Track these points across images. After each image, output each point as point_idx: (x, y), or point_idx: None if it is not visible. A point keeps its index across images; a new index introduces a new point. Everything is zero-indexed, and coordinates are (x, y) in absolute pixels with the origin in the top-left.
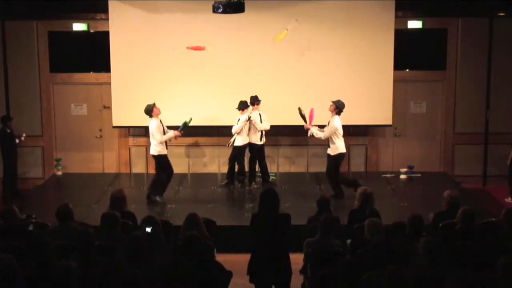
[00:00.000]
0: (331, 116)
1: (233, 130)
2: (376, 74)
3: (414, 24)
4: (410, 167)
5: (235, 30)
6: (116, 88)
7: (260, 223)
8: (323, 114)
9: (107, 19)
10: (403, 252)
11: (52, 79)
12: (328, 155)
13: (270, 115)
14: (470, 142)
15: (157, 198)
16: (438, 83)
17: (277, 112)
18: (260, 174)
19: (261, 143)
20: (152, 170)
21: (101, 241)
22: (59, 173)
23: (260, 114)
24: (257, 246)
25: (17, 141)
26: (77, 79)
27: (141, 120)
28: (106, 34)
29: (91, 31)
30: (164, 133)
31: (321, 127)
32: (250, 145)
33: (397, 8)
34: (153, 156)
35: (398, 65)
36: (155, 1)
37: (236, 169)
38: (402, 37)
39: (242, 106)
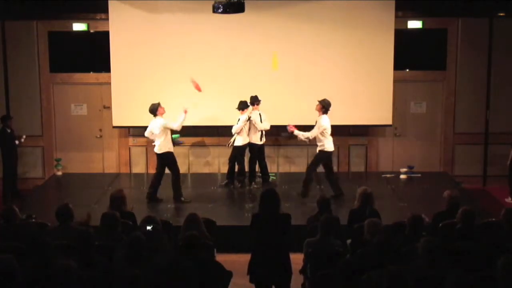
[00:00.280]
0: (318, 116)
1: (233, 130)
2: (376, 74)
3: (414, 24)
4: (410, 167)
5: (235, 30)
6: (116, 88)
7: (260, 223)
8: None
9: (107, 19)
10: (403, 252)
11: (52, 79)
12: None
13: (270, 115)
14: (470, 142)
15: (182, 198)
16: (438, 83)
17: (277, 112)
18: (260, 174)
19: (261, 143)
20: (152, 170)
21: (101, 241)
22: (59, 173)
23: (260, 114)
24: (258, 246)
25: (16, 142)
26: (77, 79)
27: (141, 120)
28: (106, 34)
29: (91, 31)
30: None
31: (312, 127)
32: (250, 145)
33: (397, 8)
34: (160, 154)
35: (398, 65)
36: (155, 1)
37: (236, 169)
38: (402, 37)
39: (242, 106)
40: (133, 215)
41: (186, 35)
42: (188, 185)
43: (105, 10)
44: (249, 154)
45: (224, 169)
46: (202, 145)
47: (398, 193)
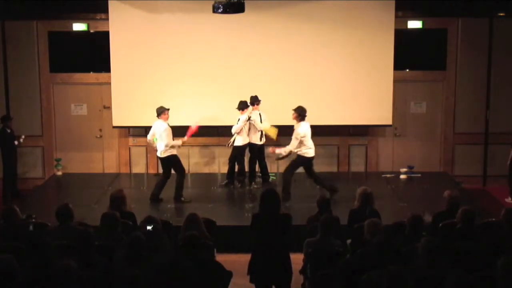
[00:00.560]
0: (296, 124)
1: (233, 130)
2: (376, 74)
3: (414, 24)
4: (410, 167)
5: (235, 30)
6: (116, 88)
7: (260, 223)
8: (321, 113)
9: (107, 19)
10: (403, 252)
11: (52, 79)
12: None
13: (270, 115)
14: (470, 142)
15: (182, 198)
16: (438, 83)
17: (277, 112)
18: (260, 174)
19: (261, 143)
20: (152, 170)
21: (101, 241)
22: (59, 173)
23: (260, 114)
24: (258, 246)
25: (16, 142)
26: (77, 79)
27: (141, 120)
28: (106, 34)
29: (91, 31)
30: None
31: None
32: (250, 145)
33: (397, 8)
34: (162, 158)
35: (398, 65)
36: (155, 1)
37: (236, 169)
38: (402, 37)
39: (242, 106)
40: (133, 215)
41: (186, 35)
42: (188, 185)
43: (105, 10)
44: (249, 154)
45: (224, 169)
46: (202, 145)
47: (398, 193)
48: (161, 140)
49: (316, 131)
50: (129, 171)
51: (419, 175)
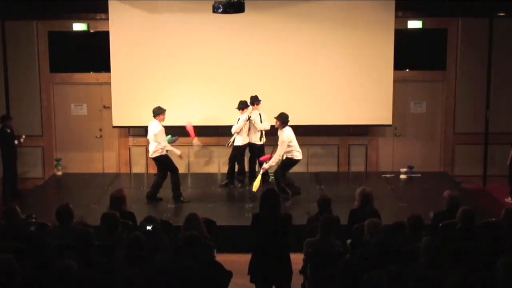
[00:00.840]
0: (279, 131)
1: (233, 130)
2: (376, 74)
3: (414, 24)
4: (410, 167)
5: (235, 30)
6: (116, 88)
7: (260, 223)
8: (321, 113)
9: (107, 19)
10: (403, 252)
11: (52, 79)
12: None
13: (270, 115)
14: (470, 142)
15: (182, 198)
16: (438, 83)
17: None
18: None
19: (261, 143)
20: (152, 170)
21: (101, 241)
22: (59, 173)
23: (260, 114)
24: (258, 246)
25: (16, 142)
26: (77, 79)
27: (141, 120)
28: (106, 34)
29: (91, 31)
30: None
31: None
32: (250, 145)
33: (397, 8)
34: (155, 158)
35: (398, 65)
36: (155, 1)
37: (236, 169)
38: (402, 37)
39: (242, 106)
40: (133, 215)
41: (186, 35)
42: (188, 185)
43: (105, 10)
44: (249, 154)
45: (224, 169)
46: (202, 145)
47: (398, 193)
48: (154, 140)
49: (316, 131)
50: (129, 171)
51: (419, 175)
